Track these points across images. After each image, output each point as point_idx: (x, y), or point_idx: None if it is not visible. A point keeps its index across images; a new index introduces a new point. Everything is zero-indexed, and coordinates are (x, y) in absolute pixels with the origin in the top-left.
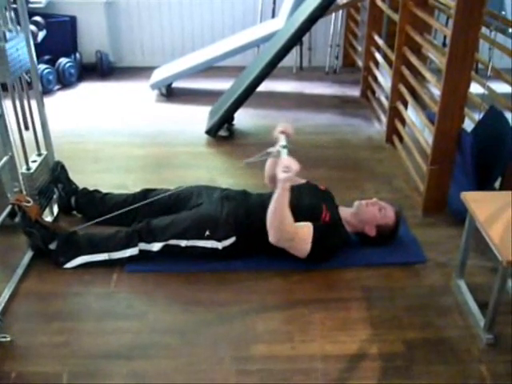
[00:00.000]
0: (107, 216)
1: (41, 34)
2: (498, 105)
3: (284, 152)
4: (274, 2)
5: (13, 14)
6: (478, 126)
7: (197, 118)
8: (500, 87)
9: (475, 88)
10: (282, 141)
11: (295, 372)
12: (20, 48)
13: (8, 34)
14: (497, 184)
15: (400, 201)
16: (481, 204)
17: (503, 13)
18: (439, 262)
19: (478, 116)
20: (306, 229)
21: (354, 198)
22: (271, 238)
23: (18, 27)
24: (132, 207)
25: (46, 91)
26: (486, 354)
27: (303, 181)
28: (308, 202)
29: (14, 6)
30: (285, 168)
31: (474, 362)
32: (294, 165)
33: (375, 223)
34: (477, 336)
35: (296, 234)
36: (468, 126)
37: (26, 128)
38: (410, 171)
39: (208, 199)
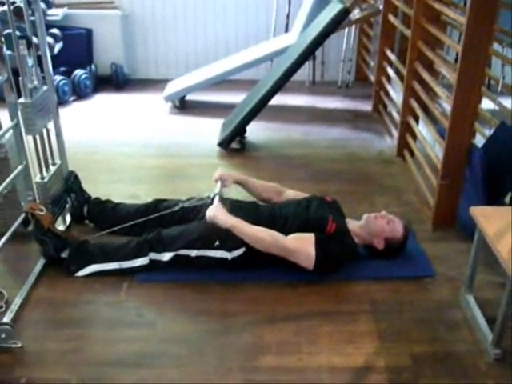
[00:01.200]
0: (119, 227)
1: (57, 46)
2: (508, 120)
3: (216, 199)
4: (288, 17)
5: (39, 70)
6: (489, 141)
7: (209, 131)
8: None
9: (487, 104)
10: (216, 188)
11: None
12: (44, 100)
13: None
14: (507, 199)
15: (410, 215)
16: (490, 219)
17: None
18: (448, 276)
19: (489, 132)
20: (306, 236)
21: (364, 211)
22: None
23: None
24: (143, 219)
25: (62, 102)
26: (493, 369)
27: (305, 195)
28: (314, 214)
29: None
30: (211, 218)
31: (481, 377)
32: (214, 210)
33: (384, 236)
34: (484, 351)
35: (293, 243)
36: (479, 141)
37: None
38: (421, 185)
39: None
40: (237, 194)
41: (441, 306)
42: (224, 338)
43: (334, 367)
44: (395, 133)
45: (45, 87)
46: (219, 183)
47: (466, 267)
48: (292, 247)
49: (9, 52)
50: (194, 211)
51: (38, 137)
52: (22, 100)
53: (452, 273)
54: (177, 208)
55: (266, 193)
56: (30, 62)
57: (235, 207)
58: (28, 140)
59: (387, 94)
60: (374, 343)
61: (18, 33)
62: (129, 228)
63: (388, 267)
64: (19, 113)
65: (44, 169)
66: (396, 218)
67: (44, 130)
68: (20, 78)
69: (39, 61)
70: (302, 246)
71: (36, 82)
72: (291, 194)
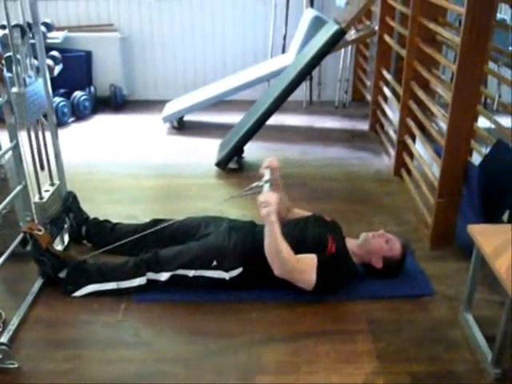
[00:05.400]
0: (116, 244)
1: (57, 68)
2: (505, 139)
3: (266, 187)
4: (285, 38)
5: (33, 60)
6: (486, 159)
7: (207, 151)
8: (508, 121)
9: (483, 122)
10: (266, 175)
11: None
12: (38, 92)
13: (28, 80)
14: (505, 217)
15: (407, 234)
16: (488, 237)
17: (510, 48)
18: (447, 295)
19: (485, 150)
20: (309, 260)
21: (362, 230)
22: (275, 271)
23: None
24: (141, 235)
25: (61, 123)
26: None
27: (308, 213)
28: (313, 234)
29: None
30: (263, 203)
31: None
32: (271, 198)
33: (382, 255)
34: (484, 370)
35: (298, 265)
36: (476, 159)
37: (42, 167)
38: (418, 204)
39: (216, 230)
40: (234, 213)
41: (440, 325)
42: (221, 358)
43: None
44: (392, 152)
45: (39, 79)
46: (269, 171)
47: (465, 286)
48: (293, 269)
49: (9, 74)
50: (192, 231)
51: (32, 134)
52: (15, 89)
53: (451, 291)
54: (232, 197)
55: (283, 204)
56: (24, 50)
57: (232, 227)
58: (27, 161)
59: (384, 113)
60: (372, 363)
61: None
62: (127, 248)
63: (386, 286)
64: (16, 133)
65: (42, 189)
66: (394, 237)
67: (39, 129)
68: (13, 67)
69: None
70: (302, 268)
71: (30, 72)
72: (297, 212)
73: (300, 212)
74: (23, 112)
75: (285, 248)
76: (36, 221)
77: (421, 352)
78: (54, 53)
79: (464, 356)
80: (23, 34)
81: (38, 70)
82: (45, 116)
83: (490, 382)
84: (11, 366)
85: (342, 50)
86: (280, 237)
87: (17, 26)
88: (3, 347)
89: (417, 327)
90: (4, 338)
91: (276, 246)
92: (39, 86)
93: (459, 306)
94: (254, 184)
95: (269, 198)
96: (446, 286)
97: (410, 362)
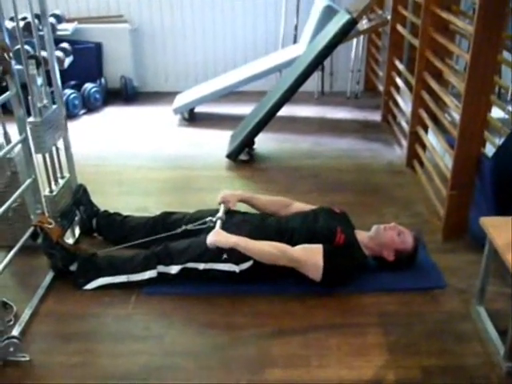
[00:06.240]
0: (129, 244)
1: (67, 60)
2: None
3: (218, 224)
4: (296, 28)
5: (48, 89)
6: (499, 150)
7: (218, 142)
8: None
9: (497, 112)
10: (220, 212)
11: None
12: (54, 119)
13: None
14: None
15: (420, 226)
16: (500, 229)
17: None
18: (459, 287)
19: (499, 141)
20: (314, 247)
21: (373, 222)
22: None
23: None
24: (151, 239)
25: (72, 115)
26: (505, 382)
27: (312, 206)
28: (322, 225)
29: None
30: (211, 245)
31: None
32: (217, 237)
33: (393, 247)
34: (496, 364)
35: (301, 252)
36: (490, 150)
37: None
38: (431, 196)
39: (226, 222)
40: (244, 206)
41: (451, 318)
42: (231, 351)
43: (343, 380)
44: (404, 143)
45: (54, 106)
46: (222, 206)
47: (477, 278)
48: (299, 258)
49: (18, 67)
50: None
51: (47, 154)
52: (31, 119)
53: (463, 284)
54: (179, 230)
55: (273, 207)
56: (40, 80)
57: (241, 221)
58: (37, 154)
59: (396, 104)
60: (383, 356)
61: (27, 47)
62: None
63: (397, 279)
64: (28, 131)
65: (53, 182)
66: (406, 229)
67: (53, 148)
68: (29, 97)
69: (48, 76)
70: (309, 256)
71: (45, 101)
72: (298, 206)
73: (302, 205)
74: (40, 141)
75: (271, 248)
76: (46, 214)
77: (432, 345)
78: (64, 45)
79: (476, 349)
80: (38, 64)
81: (53, 98)
82: None
83: (501, 376)
84: (23, 358)
85: (354, 39)
86: (257, 245)
87: (32, 57)
88: (15, 340)
89: (428, 320)
90: (15, 331)
91: (263, 254)
92: (54, 113)
93: (471, 298)
94: (208, 219)
95: (212, 238)
96: (458, 279)
97: (421, 355)
